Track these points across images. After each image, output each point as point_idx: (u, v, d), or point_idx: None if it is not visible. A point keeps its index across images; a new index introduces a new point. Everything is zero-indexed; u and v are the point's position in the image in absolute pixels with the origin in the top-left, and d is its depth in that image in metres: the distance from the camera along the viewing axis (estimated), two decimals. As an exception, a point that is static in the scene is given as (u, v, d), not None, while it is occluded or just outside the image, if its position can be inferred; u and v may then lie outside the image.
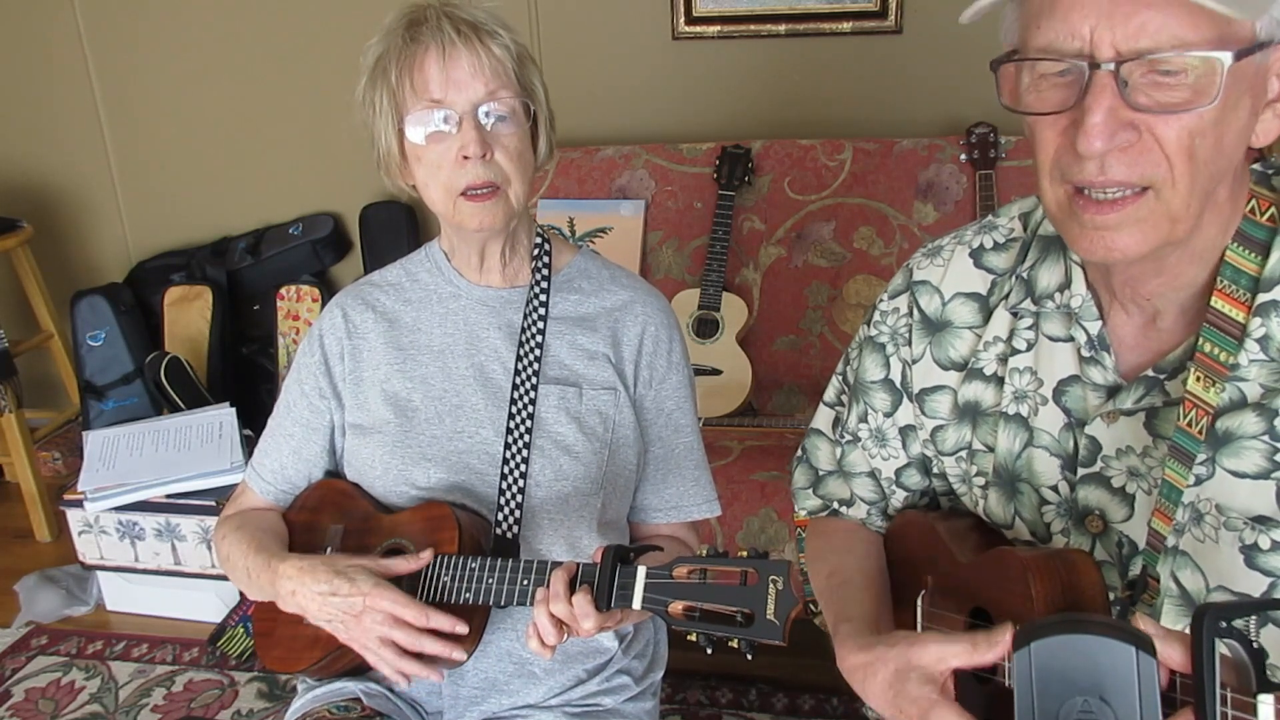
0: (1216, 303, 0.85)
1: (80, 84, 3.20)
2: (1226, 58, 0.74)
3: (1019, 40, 0.84)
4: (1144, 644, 0.72)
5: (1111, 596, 0.90)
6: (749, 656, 0.96)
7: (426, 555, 1.17)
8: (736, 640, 0.96)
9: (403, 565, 1.17)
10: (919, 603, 1.02)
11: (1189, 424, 0.85)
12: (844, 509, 1.20)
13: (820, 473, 1.22)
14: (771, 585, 0.95)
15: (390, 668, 1.15)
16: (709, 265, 2.56)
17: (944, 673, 0.85)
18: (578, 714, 1.30)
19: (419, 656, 1.14)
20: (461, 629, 1.13)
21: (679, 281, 2.64)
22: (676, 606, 0.99)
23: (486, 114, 1.20)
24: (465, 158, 1.19)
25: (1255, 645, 0.70)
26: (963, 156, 2.51)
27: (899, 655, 0.88)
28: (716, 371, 2.53)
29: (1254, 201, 0.86)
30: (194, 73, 3.13)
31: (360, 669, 1.29)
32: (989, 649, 0.82)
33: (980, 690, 0.86)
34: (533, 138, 1.27)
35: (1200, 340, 0.86)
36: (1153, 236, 0.81)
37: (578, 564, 1.08)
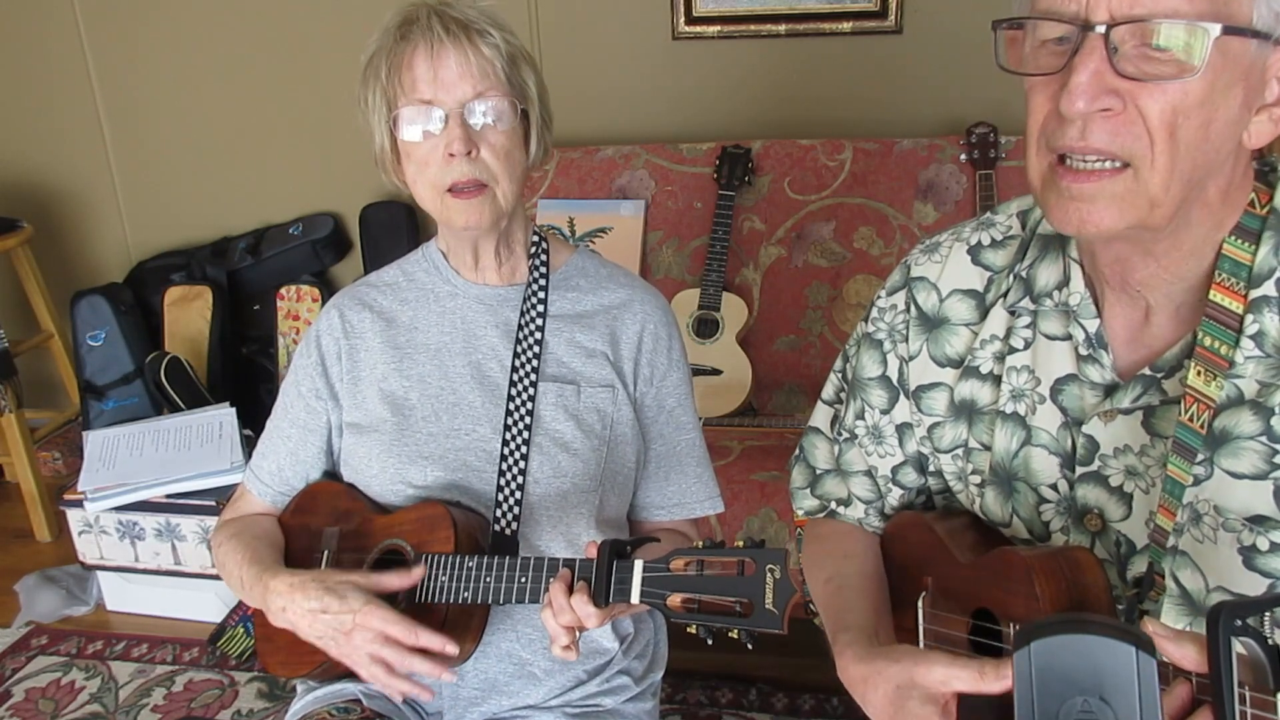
0: (1215, 295, 0.85)
1: (80, 84, 3.20)
2: (1215, 29, 0.75)
3: (1027, 9, 0.85)
4: (1144, 644, 0.72)
5: (1116, 595, 0.90)
6: (749, 646, 0.96)
7: (418, 571, 1.16)
8: (736, 631, 0.96)
9: (394, 581, 1.16)
10: (920, 604, 1.02)
11: (1190, 419, 0.85)
12: (841, 509, 1.20)
13: (818, 472, 1.22)
14: (769, 574, 0.95)
15: (381, 685, 1.14)
16: (709, 265, 2.56)
17: (946, 694, 0.84)
18: (578, 715, 1.29)
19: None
20: (452, 649, 1.12)
21: (679, 281, 2.64)
22: (675, 599, 0.99)
23: (476, 113, 1.20)
24: (451, 155, 1.19)
25: (1271, 643, 0.69)
26: (963, 156, 2.50)
27: (902, 672, 0.87)
28: (716, 371, 2.52)
29: (1254, 195, 0.87)
30: (194, 73, 3.13)
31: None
32: (996, 679, 0.80)
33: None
34: (525, 138, 1.27)
35: (1200, 334, 0.85)
36: (1129, 214, 0.81)
37: (572, 567, 1.08)
